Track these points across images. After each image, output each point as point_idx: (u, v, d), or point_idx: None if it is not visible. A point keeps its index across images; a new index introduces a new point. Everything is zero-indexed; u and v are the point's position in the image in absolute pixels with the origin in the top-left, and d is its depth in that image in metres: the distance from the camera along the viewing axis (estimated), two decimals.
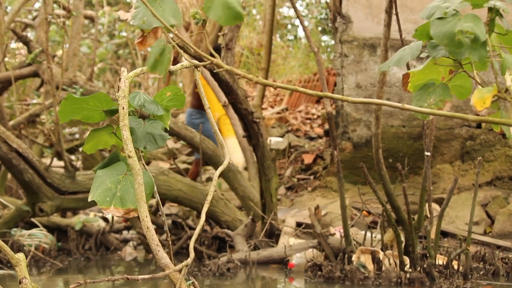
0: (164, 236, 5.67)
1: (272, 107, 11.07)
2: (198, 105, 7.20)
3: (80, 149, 6.27)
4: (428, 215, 4.26)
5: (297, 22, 15.56)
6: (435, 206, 5.31)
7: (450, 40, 1.55)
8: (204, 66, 4.91)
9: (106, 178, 1.97)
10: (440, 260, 4.33)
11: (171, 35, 1.84)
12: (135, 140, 2.00)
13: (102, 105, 2.04)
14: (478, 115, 1.52)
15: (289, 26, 15.74)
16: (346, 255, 4.34)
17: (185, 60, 2.23)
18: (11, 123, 7.06)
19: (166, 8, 1.77)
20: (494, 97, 1.51)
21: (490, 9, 1.62)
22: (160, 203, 2.17)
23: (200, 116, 7.19)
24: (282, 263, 4.85)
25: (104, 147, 2.14)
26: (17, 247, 5.23)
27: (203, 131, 5.94)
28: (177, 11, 1.79)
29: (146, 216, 1.92)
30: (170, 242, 2.23)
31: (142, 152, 2.06)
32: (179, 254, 5.36)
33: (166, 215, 6.29)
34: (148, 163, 8.43)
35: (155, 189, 2.04)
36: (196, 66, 2.38)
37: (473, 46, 1.55)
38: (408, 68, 4.40)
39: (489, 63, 1.60)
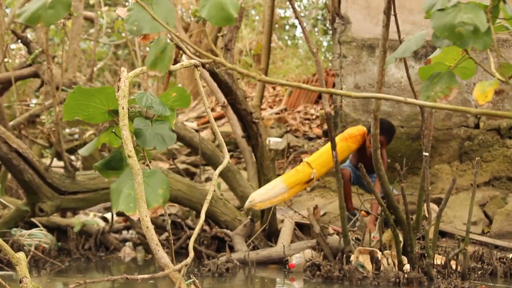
0: (163, 236, 5.69)
1: (271, 107, 11.07)
2: (356, 163, 5.78)
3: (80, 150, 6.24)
4: (427, 215, 4.28)
5: (294, 22, 15.55)
6: (433, 206, 5.32)
7: (451, 32, 1.53)
8: (204, 66, 4.88)
9: (122, 186, 1.97)
10: (438, 260, 4.35)
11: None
12: (144, 141, 1.99)
13: (108, 102, 2.02)
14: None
15: (287, 27, 15.73)
16: (345, 255, 4.36)
17: (185, 60, 2.24)
18: (11, 123, 7.07)
19: (160, 9, 1.74)
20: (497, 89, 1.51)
21: None
22: None
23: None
24: (281, 263, 4.87)
25: (97, 146, 2.15)
26: (17, 247, 5.24)
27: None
28: (171, 12, 1.78)
29: (146, 216, 1.93)
30: (172, 242, 2.24)
31: (151, 151, 2.06)
32: (178, 254, 5.37)
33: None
34: None
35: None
36: (196, 66, 2.40)
37: (474, 36, 1.53)
38: (406, 67, 4.42)
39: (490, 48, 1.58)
